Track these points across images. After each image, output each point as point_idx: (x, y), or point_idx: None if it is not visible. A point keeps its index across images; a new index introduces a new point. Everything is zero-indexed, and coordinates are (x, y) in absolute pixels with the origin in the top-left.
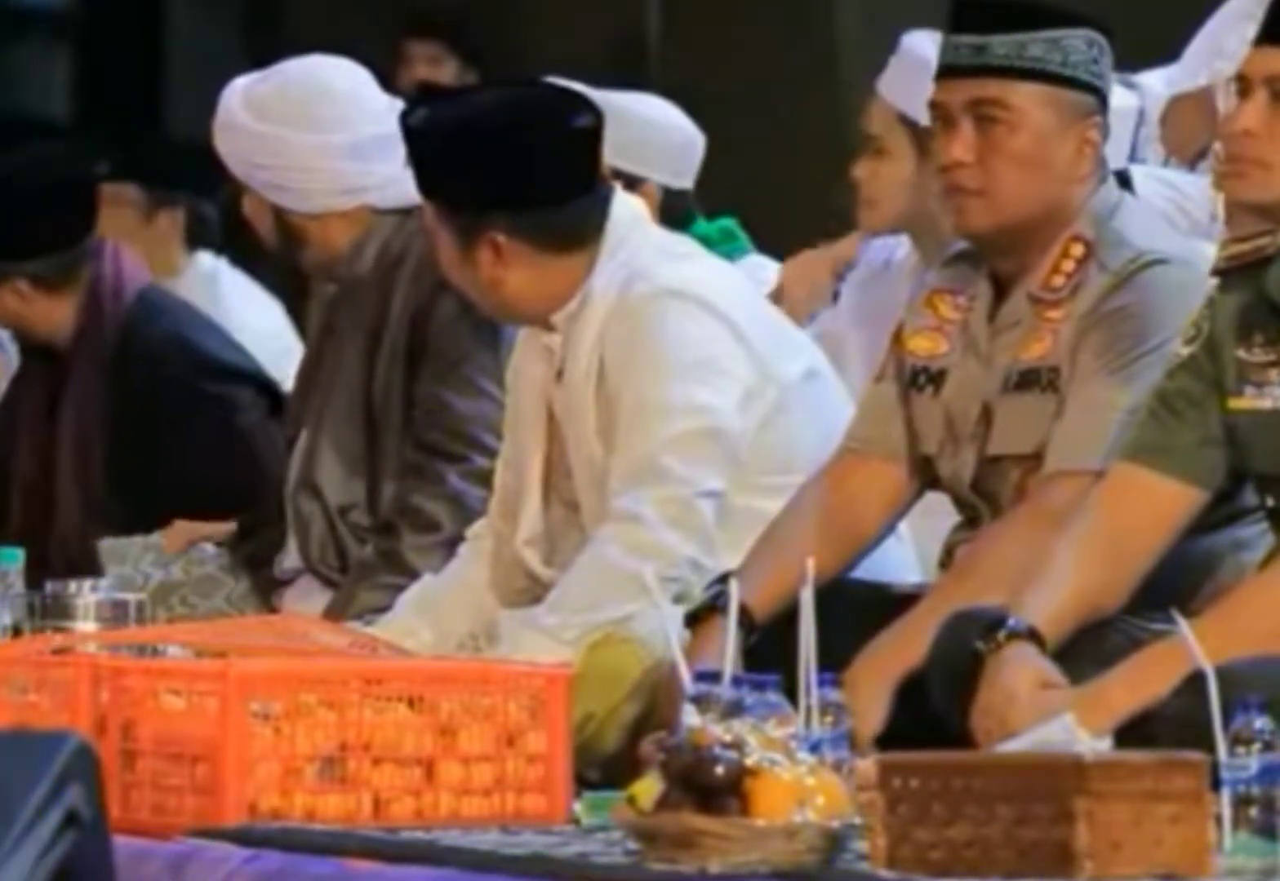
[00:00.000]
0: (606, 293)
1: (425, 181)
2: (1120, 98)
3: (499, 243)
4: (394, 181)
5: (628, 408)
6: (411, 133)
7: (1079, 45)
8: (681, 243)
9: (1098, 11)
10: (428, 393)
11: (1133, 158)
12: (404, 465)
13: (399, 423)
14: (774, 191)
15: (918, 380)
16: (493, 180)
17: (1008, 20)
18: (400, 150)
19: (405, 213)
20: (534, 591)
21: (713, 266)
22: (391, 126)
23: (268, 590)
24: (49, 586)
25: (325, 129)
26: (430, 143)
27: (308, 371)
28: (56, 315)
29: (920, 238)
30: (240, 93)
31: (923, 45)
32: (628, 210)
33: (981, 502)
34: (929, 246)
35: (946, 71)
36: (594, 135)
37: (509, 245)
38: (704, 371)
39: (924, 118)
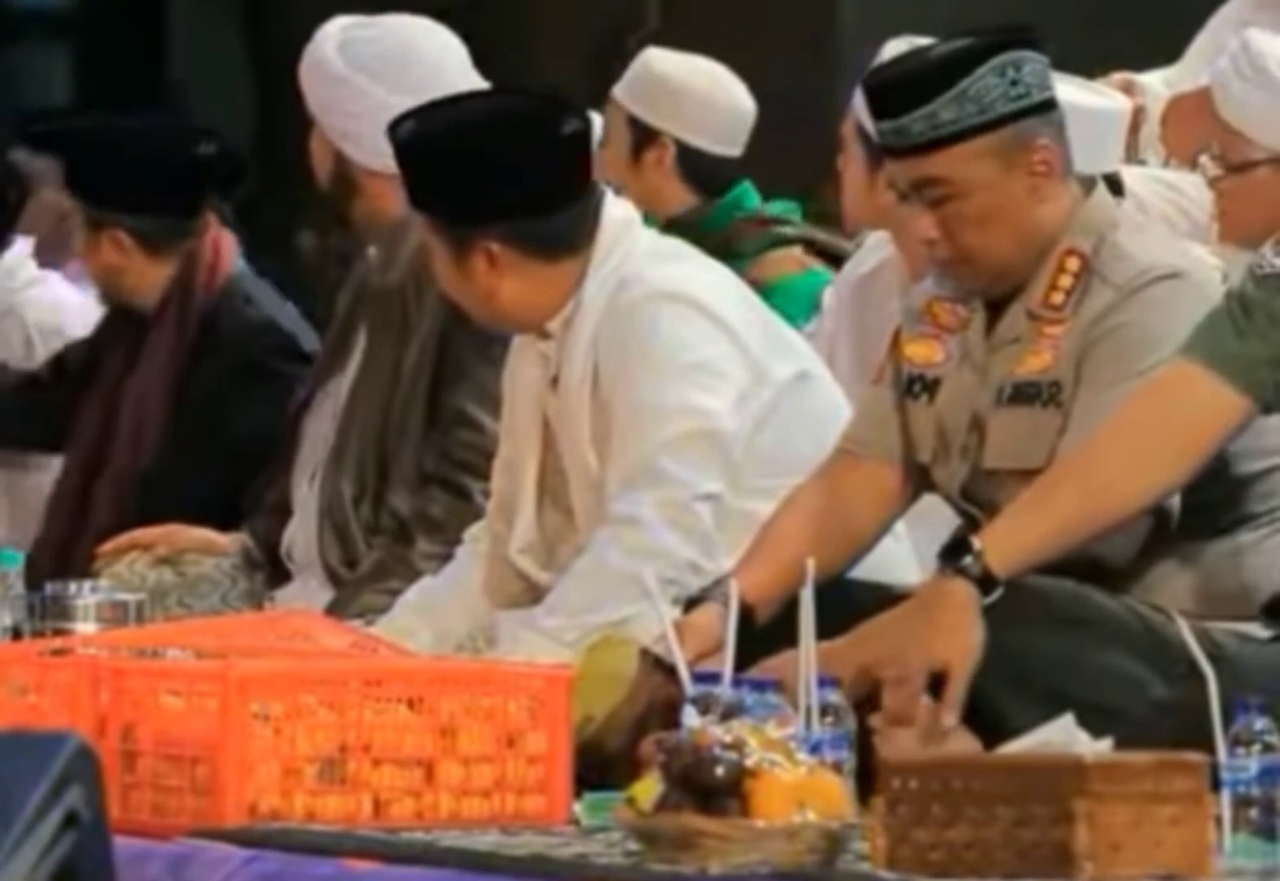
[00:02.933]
0: (599, 297)
1: (416, 194)
2: (1105, 99)
3: (493, 252)
4: None
5: (624, 411)
6: (399, 146)
7: (990, 82)
8: (672, 244)
9: (1096, 13)
10: (460, 409)
11: (1134, 159)
12: (428, 475)
13: (417, 433)
14: (773, 190)
15: (913, 387)
16: (482, 191)
17: (913, 95)
18: None
19: None
20: (530, 595)
21: (705, 268)
22: None
23: (270, 585)
24: (48, 587)
25: (402, 90)
26: (418, 156)
27: (329, 359)
28: (150, 278)
29: (898, 238)
30: (336, 33)
31: (893, 50)
32: (619, 214)
33: (978, 511)
34: (907, 248)
35: (885, 152)
36: (582, 141)
37: (503, 254)
38: (699, 374)
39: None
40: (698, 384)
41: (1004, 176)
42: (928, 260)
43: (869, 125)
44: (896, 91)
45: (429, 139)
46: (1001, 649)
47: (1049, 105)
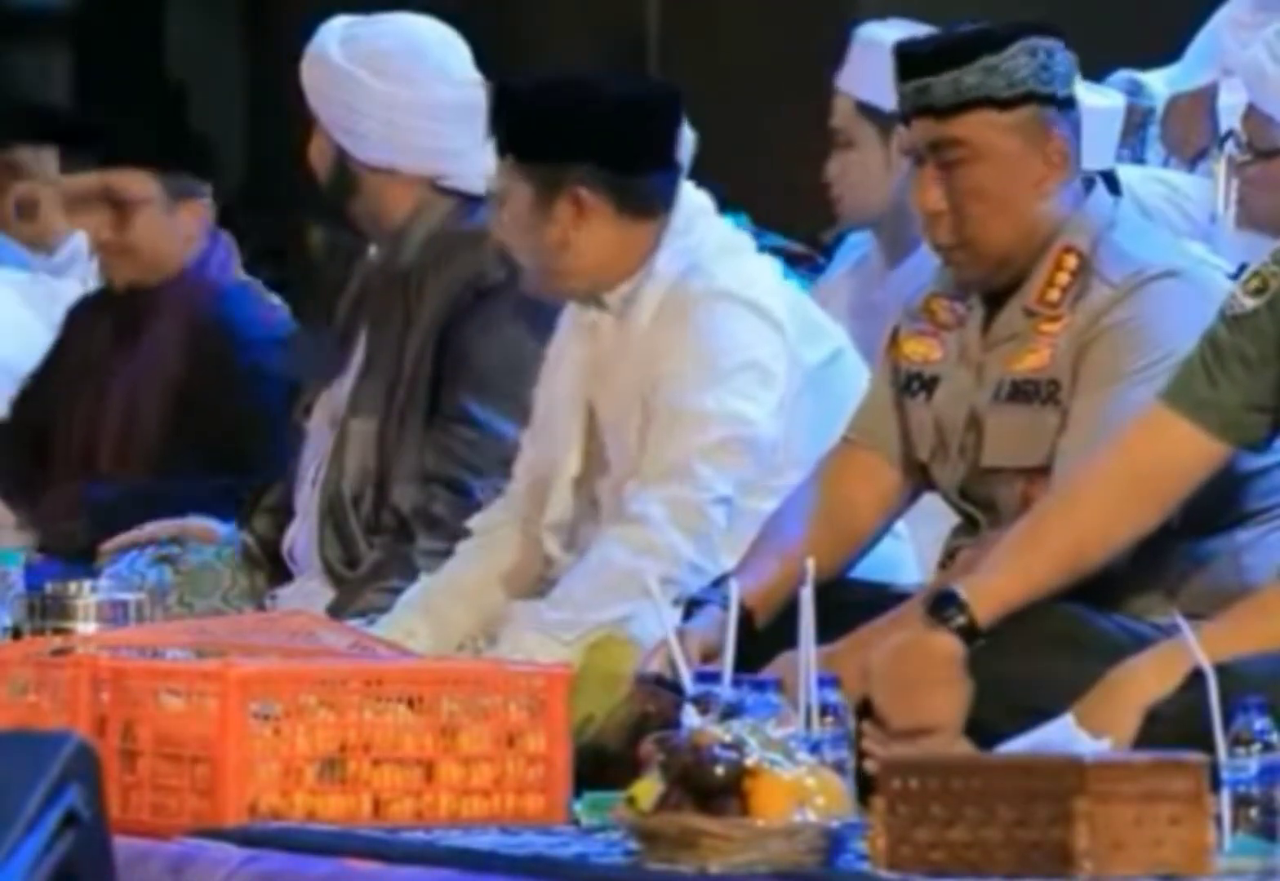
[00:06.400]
0: (664, 278)
1: (510, 133)
2: (1101, 97)
3: (582, 199)
4: (460, 155)
5: (665, 409)
6: (499, 86)
7: (1020, 61)
8: (741, 240)
9: (1100, 12)
10: (462, 405)
11: (1137, 158)
12: (429, 473)
13: (418, 429)
14: (775, 189)
15: (911, 386)
16: (582, 133)
17: (945, 58)
18: (476, 126)
19: (465, 200)
20: (549, 578)
21: (764, 265)
22: (470, 97)
23: (271, 583)
24: (48, 587)
25: (406, 85)
26: (521, 92)
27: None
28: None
29: (883, 232)
30: (339, 29)
31: (877, 32)
32: (697, 200)
33: (976, 510)
34: (890, 242)
35: (904, 117)
36: (674, 111)
37: (591, 201)
38: (746, 376)
39: (888, 102)
40: (742, 389)
41: (1020, 154)
42: (929, 241)
43: (874, 96)
44: (928, 54)
45: (532, 80)
46: (996, 672)
47: (1070, 103)
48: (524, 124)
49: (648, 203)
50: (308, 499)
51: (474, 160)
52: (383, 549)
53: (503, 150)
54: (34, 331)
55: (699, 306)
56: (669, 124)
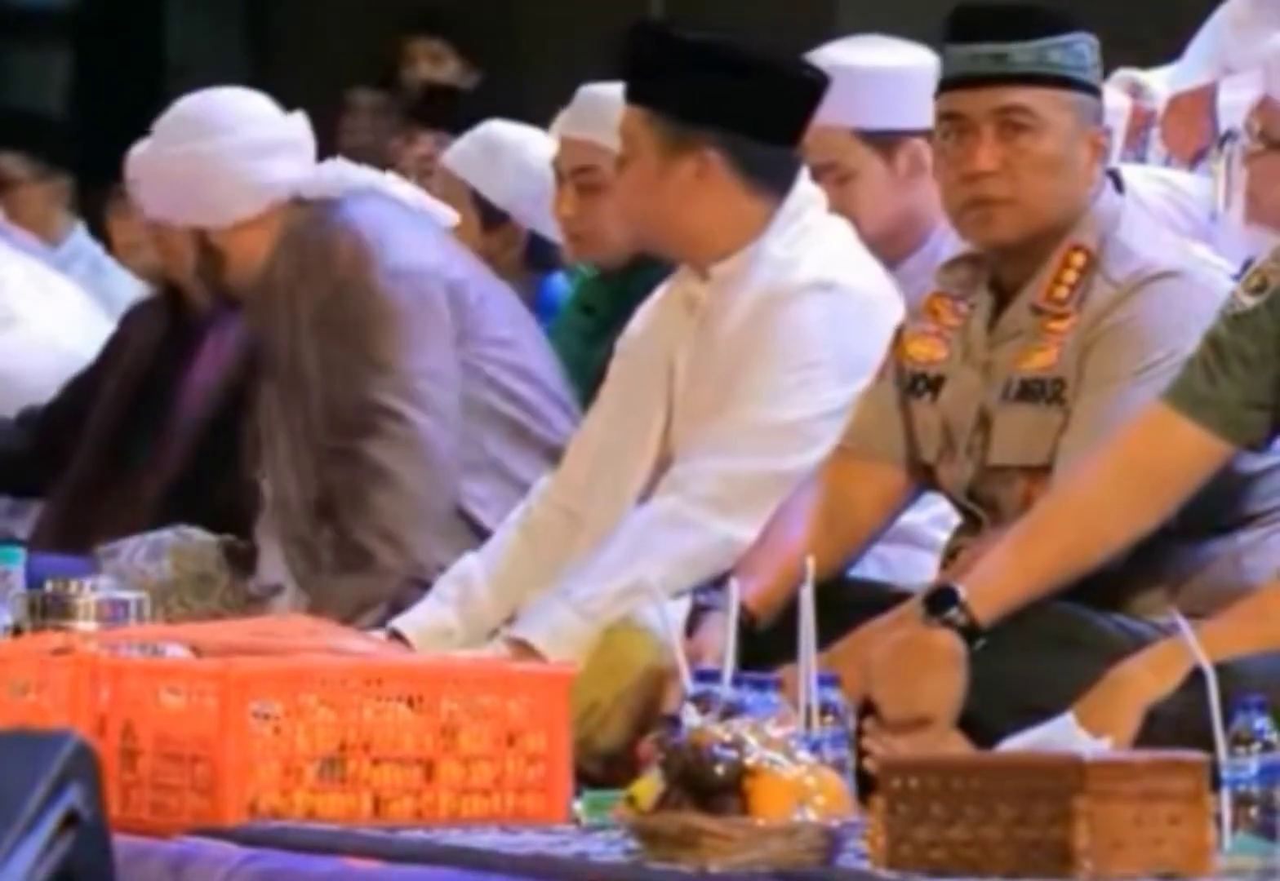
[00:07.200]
0: (771, 265)
1: (645, 83)
2: (1107, 98)
3: (708, 160)
4: (297, 178)
5: (739, 393)
6: (646, 34)
7: (1084, 49)
8: (844, 229)
9: (1102, 11)
10: (365, 355)
11: (1139, 159)
12: (356, 426)
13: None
14: None
15: (916, 386)
16: (721, 91)
17: (1024, 27)
18: (304, 155)
19: (321, 204)
20: None
21: (870, 260)
22: (289, 132)
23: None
24: (49, 585)
25: (218, 133)
26: (667, 43)
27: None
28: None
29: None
30: (141, 143)
31: (840, 54)
32: (810, 190)
33: (981, 510)
34: (888, 245)
35: (962, 81)
36: (815, 94)
37: (717, 165)
38: (827, 370)
39: (876, 122)
40: (820, 386)
41: (1075, 135)
42: (965, 197)
43: (864, 120)
44: (1004, 19)
45: (680, 32)
46: (996, 671)
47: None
48: (662, 78)
49: (773, 176)
50: (265, 527)
51: (311, 177)
52: (332, 545)
53: (636, 97)
54: (99, 323)
55: (798, 298)
56: (809, 106)
